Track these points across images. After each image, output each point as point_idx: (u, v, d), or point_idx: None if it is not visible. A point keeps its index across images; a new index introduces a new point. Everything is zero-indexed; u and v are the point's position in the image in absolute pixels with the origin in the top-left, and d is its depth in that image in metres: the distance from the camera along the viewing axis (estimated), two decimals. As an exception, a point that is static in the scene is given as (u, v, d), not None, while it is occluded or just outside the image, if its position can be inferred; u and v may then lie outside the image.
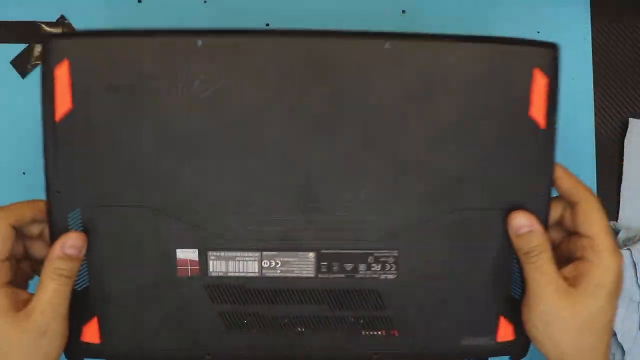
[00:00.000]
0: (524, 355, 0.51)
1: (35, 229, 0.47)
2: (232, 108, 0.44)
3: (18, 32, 0.60)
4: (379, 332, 0.48)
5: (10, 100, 0.60)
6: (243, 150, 0.45)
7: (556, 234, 0.48)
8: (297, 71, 0.44)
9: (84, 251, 0.45)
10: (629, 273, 0.57)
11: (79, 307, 0.46)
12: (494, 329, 0.48)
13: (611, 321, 0.45)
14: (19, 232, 0.46)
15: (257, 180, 0.45)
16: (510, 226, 0.46)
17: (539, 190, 0.46)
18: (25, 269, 0.48)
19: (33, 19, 0.60)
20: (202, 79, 0.44)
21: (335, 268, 0.47)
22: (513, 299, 0.48)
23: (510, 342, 0.48)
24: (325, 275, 0.47)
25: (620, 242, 0.59)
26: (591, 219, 0.45)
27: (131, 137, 0.44)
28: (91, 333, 0.47)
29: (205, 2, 0.61)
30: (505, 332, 0.48)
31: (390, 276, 0.47)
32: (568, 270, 0.46)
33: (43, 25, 0.60)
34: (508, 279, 0.48)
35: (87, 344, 0.47)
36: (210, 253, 0.46)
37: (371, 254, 0.47)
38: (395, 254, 0.47)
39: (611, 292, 0.44)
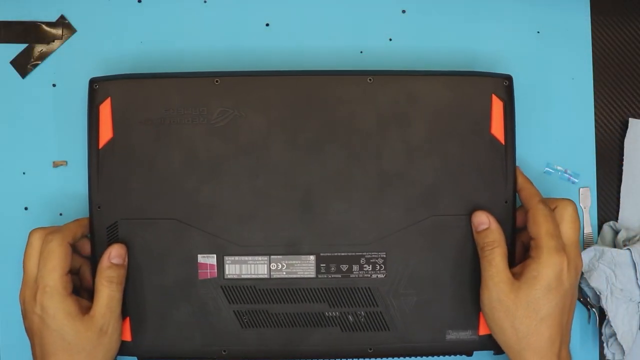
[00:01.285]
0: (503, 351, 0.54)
1: (84, 245, 0.55)
2: (244, 135, 0.54)
3: (18, 32, 0.60)
4: (373, 329, 0.55)
5: (10, 100, 0.60)
6: (253, 170, 0.54)
7: (527, 238, 0.54)
8: (294, 104, 0.54)
9: (126, 259, 0.54)
10: (629, 273, 0.57)
11: None
12: (475, 324, 0.55)
13: (553, 312, 0.50)
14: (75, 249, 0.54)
15: (265, 196, 0.54)
16: (472, 223, 0.54)
17: (503, 198, 0.54)
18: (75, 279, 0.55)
19: (33, 19, 0.60)
20: (219, 111, 0.54)
21: (332, 269, 0.55)
22: None
23: (490, 335, 0.54)
24: (324, 276, 0.55)
25: (620, 242, 0.59)
26: (537, 223, 0.51)
27: (161, 160, 0.54)
28: (124, 331, 0.54)
29: (205, 2, 0.61)
30: (485, 326, 0.54)
31: (380, 275, 0.55)
32: (518, 267, 0.53)
33: (43, 25, 0.60)
34: None
35: (121, 342, 0.54)
36: (226, 258, 0.54)
37: (363, 256, 0.55)
38: (384, 256, 0.55)
39: (548, 285, 0.50)
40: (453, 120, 0.54)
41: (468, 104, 0.54)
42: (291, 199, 0.54)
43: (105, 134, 0.54)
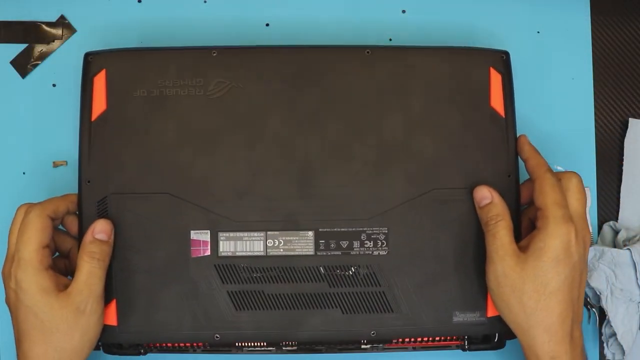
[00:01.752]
0: (514, 335, 0.52)
1: (73, 222, 0.53)
2: (241, 107, 0.53)
3: (18, 32, 0.60)
4: (376, 310, 0.52)
5: (10, 100, 0.60)
6: (249, 143, 0.52)
7: (533, 213, 0.52)
8: (293, 76, 0.53)
9: (112, 236, 0.51)
10: (629, 273, 0.57)
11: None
12: (483, 305, 0.52)
13: (562, 286, 0.48)
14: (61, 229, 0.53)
15: (261, 169, 0.52)
16: (475, 198, 0.52)
17: (506, 171, 0.53)
18: (61, 266, 0.53)
19: (33, 19, 0.60)
20: (216, 82, 0.53)
21: (332, 245, 0.52)
22: None
23: (500, 317, 0.51)
24: (324, 253, 0.52)
25: (620, 242, 0.59)
26: (543, 192, 0.49)
27: (155, 133, 0.52)
28: (110, 315, 0.52)
29: (205, 2, 0.61)
30: (494, 307, 0.52)
31: (382, 252, 0.52)
32: (525, 240, 0.50)
33: (43, 25, 0.60)
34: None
35: (105, 326, 0.51)
36: (220, 234, 0.52)
37: (363, 232, 0.52)
38: (385, 231, 0.52)
39: (556, 256, 0.48)
40: (452, 93, 0.53)
41: (466, 77, 0.54)
42: (289, 172, 0.52)
43: (99, 106, 0.52)
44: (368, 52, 0.53)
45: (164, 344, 0.53)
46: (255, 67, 0.53)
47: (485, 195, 0.51)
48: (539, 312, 0.48)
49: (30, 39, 0.60)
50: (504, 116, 0.53)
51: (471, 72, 0.54)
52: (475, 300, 0.52)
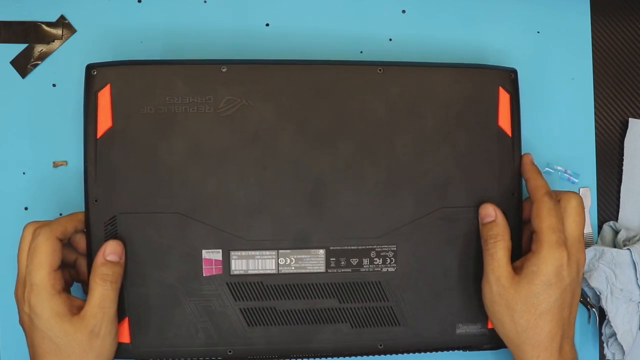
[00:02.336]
0: None
1: (81, 239, 0.53)
2: (252, 125, 0.52)
3: (18, 32, 0.60)
4: (384, 324, 0.54)
5: (10, 100, 0.60)
6: (260, 162, 0.52)
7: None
8: (304, 94, 0.53)
9: (123, 256, 0.51)
10: (629, 273, 0.57)
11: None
12: (484, 317, 0.54)
13: (553, 308, 0.50)
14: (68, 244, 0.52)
15: (273, 188, 0.52)
16: (479, 215, 0.53)
17: (511, 190, 0.54)
18: (67, 276, 0.53)
19: (33, 19, 0.60)
20: (226, 100, 0.52)
21: (342, 263, 0.53)
22: None
23: None
24: (334, 270, 0.53)
25: (620, 242, 0.59)
26: (540, 216, 0.51)
27: (163, 151, 0.51)
28: (123, 333, 0.52)
29: (205, 2, 0.61)
30: None
31: (391, 269, 0.53)
32: (520, 261, 0.52)
33: (43, 25, 0.60)
34: None
35: (118, 343, 0.51)
36: (232, 253, 0.52)
37: (373, 249, 0.53)
38: (394, 249, 0.53)
39: (547, 280, 0.50)
40: (461, 112, 0.54)
41: (476, 96, 0.54)
42: (300, 191, 0.53)
43: (104, 123, 0.51)
44: (380, 70, 0.53)
45: None
46: (266, 85, 0.52)
47: (489, 213, 0.53)
48: (530, 330, 0.50)
49: (30, 39, 0.60)
50: (510, 136, 0.54)
51: (480, 91, 0.54)
52: (477, 313, 0.54)
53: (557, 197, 0.52)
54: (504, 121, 0.54)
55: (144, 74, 0.52)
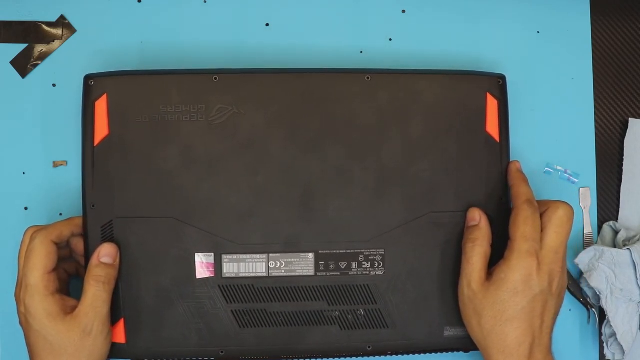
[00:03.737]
0: None
1: (79, 243, 0.54)
2: (242, 133, 0.54)
3: (18, 32, 0.60)
4: (372, 326, 0.55)
5: (10, 100, 0.60)
6: (251, 168, 0.54)
7: None
8: (294, 101, 0.54)
9: (118, 259, 0.53)
10: (629, 273, 0.57)
11: (110, 309, 0.52)
12: None
13: (519, 315, 0.50)
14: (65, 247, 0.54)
15: (264, 193, 0.54)
16: (466, 218, 0.54)
17: (499, 195, 0.55)
18: (63, 277, 0.54)
19: (33, 19, 0.60)
20: (218, 108, 0.54)
21: (331, 266, 0.55)
22: None
23: None
24: (323, 273, 0.55)
25: (620, 242, 0.59)
26: (515, 224, 0.51)
27: (158, 158, 0.53)
28: (118, 334, 0.53)
29: (205, 1, 0.61)
30: None
31: (379, 272, 0.55)
32: (494, 267, 0.52)
33: (43, 25, 0.60)
34: None
35: (114, 344, 0.53)
36: (224, 256, 0.54)
37: (361, 253, 0.55)
38: (382, 253, 0.55)
39: (514, 288, 0.50)
40: (449, 119, 0.55)
41: (464, 102, 0.55)
42: (290, 196, 0.54)
43: (101, 131, 0.53)
44: (368, 78, 0.55)
45: None
46: (256, 93, 0.54)
47: (474, 217, 0.53)
48: (495, 335, 0.51)
49: (30, 39, 0.60)
50: (498, 141, 0.55)
51: (468, 97, 0.55)
52: None
53: (545, 205, 0.52)
54: (492, 127, 0.55)
55: (140, 84, 0.54)
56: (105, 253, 0.52)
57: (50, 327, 0.49)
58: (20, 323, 0.51)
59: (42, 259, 0.50)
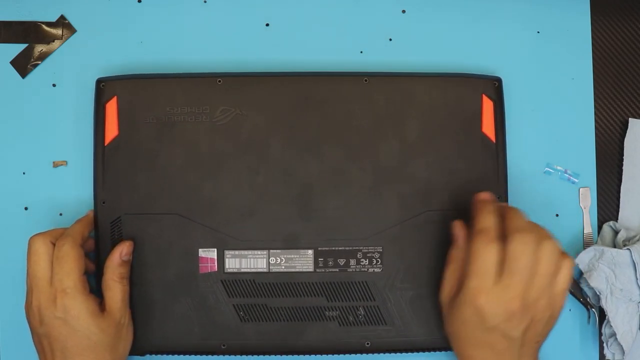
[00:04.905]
0: None
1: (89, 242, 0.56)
2: (245, 133, 0.56)
3: (18, 32, 0.60)
4: (371, 323, 0.56)
5: (10, 100, 0.60)
6: (253, 167, 0.56)
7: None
8: (294, 103, 0.56)
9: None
10: (628, 273, 0.57)
11: None
12: None
13: (478, 340, 0.50)
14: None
15: (265, 192, 0.56)
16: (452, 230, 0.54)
17: (496, 194, 0.56)
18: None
19: (33, 19, 0.60)
20: (221, 110, 0.56)
21: (330, 263, 0.56)
22: None
23: None
24: (322, 270, 0.56)
25: (620, 242, 0.59)
26: (470, 258, 0.49)
27: (164, 157, 0.56)
28: None
29: (205, 2, 0.61)
30: None
31: (377, 269, 0.56)
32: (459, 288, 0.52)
33: (43, 25, 0.60)
34: None
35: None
36: (226, 252, 0.56)
37: (360, 250, 0.56)
38: (380, 250, 0.56)
39: (466, 319, 0.50)
40: (446, 120, 0.56)
41: (460, 103, 0.57)
42: (290, 195, 0.56)
43: (111, 131, 0.56)
44: (366, 80, 0.56)
45: (175, 353, 0.56)
46: (258, 95, 0.56)
47: (456, 232, 0.53)
48: (456, 349, 0.53)
49: (30, 39, 0.60)
50: (494, 141, 0.57)
51: (464, 99, 0.57)
52: None
53: (509, 232, 0.49)
54: (488, 128, 0.56)
55: (147, 86, 0.56)
56: (127, 251, 0.54)
57: (94, 324, 0.51)
58: (47, 331, 0.51)
59: (76, 262, 0.51)
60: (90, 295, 0.52)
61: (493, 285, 0.48)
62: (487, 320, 0.49)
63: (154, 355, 0.57)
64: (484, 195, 0.54)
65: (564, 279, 0.49)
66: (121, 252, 0.54)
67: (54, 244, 0.52)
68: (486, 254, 0.49)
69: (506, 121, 0.58)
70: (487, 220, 0.50)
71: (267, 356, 0.56)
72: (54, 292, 0.51)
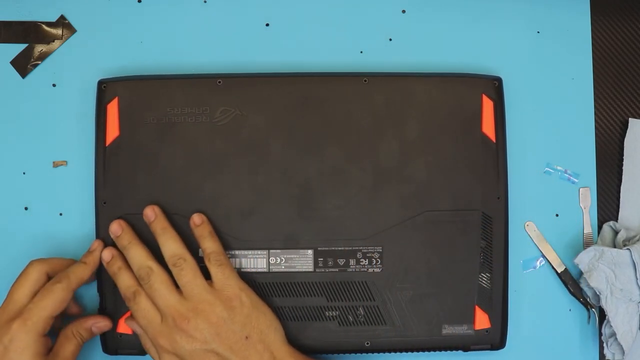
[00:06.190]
0: (503, 345, 0.57)
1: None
2: (245, 134, 0.56)
3: (18, 32, 0.60)
4: (370, 323, 0.56)
5: (10, 100, 0.60)
6: (253, 167, 0.56)
7: None
8: (294, 104, 0.56)
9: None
10: (628, 273, 0.57)
11: (117, 301, 0.55)
12: (471, 318, 0.56)
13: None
14: None
15: (265, 192, 0.56)
16: None
17: (496, 194, 0.56)
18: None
19: (33, 19, 0.60)
20: (221, 110, 0.56)
21: (330, 263, 0.56)
22: (484, 288, 0.56)
23: (487, 330, 0.56)
24: (322, 270, 0.56)
25: (620, 242, 0.59)
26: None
27: (165, 157, 0.56)
28: (125, 325, 0.55)
29: (205, 2, 0.61)
30: (481, 320, 0.56)
31: (377, 270, 0.56)
32: None
33: (43, 25, 0.60)
34: (476, 270, 0.56)
35: (122, 334, 0.55)
36: (227, 252, 0.55)
37: (359, 250, 0.56)
38: (380, 250, 0.56)
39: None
40: (445, 119, 0.56)
41: (459, 103, 0.57)
42: (290, 195, 0.56)
43: (112, 132, 0.56)
44: (365, 81, 0.56)
45: None
46: (258, 96, 0.56)
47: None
48: None
49: (30, 39, 0.60)
50: (494, 141, 0.56)
51: (464, 99, 0.57)
52: (464, 314, 0.56)
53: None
54: (488, 127, 0.56)
55: (148, 87, 0.56)
56: (99, 328, 0.54)
57: None
58: None
59: (55, 304, 0.51)
60: (44, 338, 0.51)
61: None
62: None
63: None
64: (196, 219, 0.55)
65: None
66: (95, 324, 0.54)
67: (49, 277, 0.52)
68: (161, 287, 0.52)
69: (506, 121, 0.58)
70: (170, 246, 0.53)
71: None
72: (17, 315, 0.50)
